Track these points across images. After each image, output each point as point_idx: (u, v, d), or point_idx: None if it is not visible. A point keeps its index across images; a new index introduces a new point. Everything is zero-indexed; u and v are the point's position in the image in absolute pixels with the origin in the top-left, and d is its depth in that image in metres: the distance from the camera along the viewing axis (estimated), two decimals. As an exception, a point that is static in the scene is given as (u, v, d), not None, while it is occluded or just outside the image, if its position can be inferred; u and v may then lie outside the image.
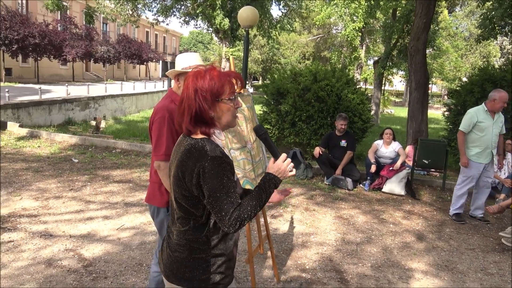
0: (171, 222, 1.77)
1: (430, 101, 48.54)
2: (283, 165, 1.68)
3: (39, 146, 8.49)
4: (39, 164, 7.12)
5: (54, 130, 10.45)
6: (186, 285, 1.67)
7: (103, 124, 12.84)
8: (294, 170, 1.72)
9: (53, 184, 6.03)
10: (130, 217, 4.90)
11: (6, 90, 13.72)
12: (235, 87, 1.67)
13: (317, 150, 7.05)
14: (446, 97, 46.28)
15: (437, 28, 21.38)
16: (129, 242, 4.20)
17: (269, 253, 4.00)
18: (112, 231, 4.45)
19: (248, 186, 2.82)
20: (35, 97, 14.74)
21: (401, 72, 31.76)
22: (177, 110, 1.69)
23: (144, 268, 3.65)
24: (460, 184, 5.50)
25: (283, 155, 1.70)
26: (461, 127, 5.35)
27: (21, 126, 9.97)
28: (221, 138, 1.69)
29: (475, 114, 5.26)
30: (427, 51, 28.41)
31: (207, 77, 1.61)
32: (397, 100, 47.22)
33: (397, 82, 53.19)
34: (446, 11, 32.33)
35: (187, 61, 2.56)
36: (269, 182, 1.65)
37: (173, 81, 2.74)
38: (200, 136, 1.64)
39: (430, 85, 58.36)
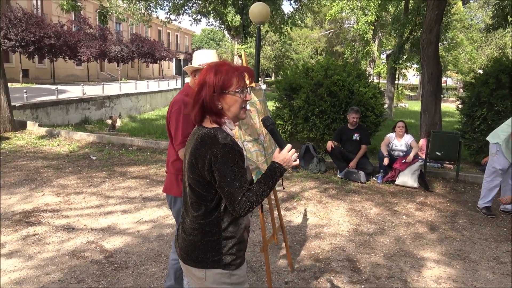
0: (184, 208, 1.90)
1: (445, 95, 48.08)
2: (288, 154, 1.81)
3: (58, 145, 8.72)
4: (59, 161, 7.33)
5: (71, 129, 10.70)
6: (200, 266, 1.80)
7: (118, 123, 13.08)
8: (298, 160, 1.83)
9: (73, 180, 6.23)
10: (148, 211, 5.05)
11: (24, 90, 14.06)
12: (244, 80, 1.78)
13: (330, 144, 7.12)
14: (461, 90, 45.73)
15: (450, 20, 21.12)
16: (148, 235, 4.35)
17: (283, 244, 4.11)
18: (131, 224, 4.61)
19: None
20: (52, 97, 15.08)
21: (415, 66, 31.49)
22: (192, 100, 1.81)
23: (162, 259, 3.79)
24: (489, 176, 5.36)
25: (288, 146, 1.82)
26: None
27: (40, 125, 10.24)
28: (232, 128, 1.81)
29: None
30: (440, 44, 28.16)
31: (215, 71, 1.74)
32: (411, 94, 46.75)
33: (411, 76, 52.73)
34: (460, 3, 31.84)
35: (204, 58, 2.68)
36: (275, 170, 1.78)
37: (188, 77, 2.87)
38: (212, 125, 1.77)
39: (445, 79, 57.73)
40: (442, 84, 59.04)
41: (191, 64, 2.79)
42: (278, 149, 1.86)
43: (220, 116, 1.77)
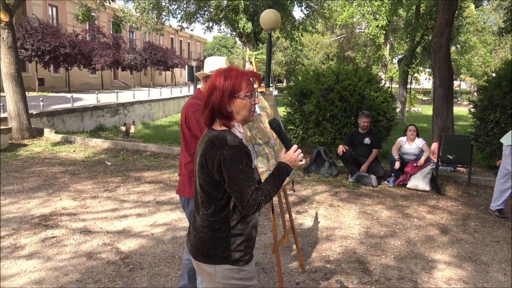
0: (196, 207, 1.99)
1: (459, 98, 47.60)
2: (294, 155, 1.89)
3: (74, 151, 8.92)
4: (75, 167, 7.51)
5: (86, 135, 10.91)
6: (210, 262, 1.88)
7: (132, 129, 13.28)
8: (304, 160, 1.91)
9: (89, 185, 6.38)
10: (162, 214, 5.16)
11: (41, 99, 14.37)
12: (253, 85, 1.88)
13: (341, 148, 7.17)
14: (475, 93, 45.25)
15: (462, 23, 21.01)
16: (162, 237, 4.45)
17: (294, 246, 4.17)
18: (146, 227, 4.72)
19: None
20: (68, 105, 15.37)
21: (427, 70, 31.28)
22: (202, 105, 1.90)
23: (176, 260, 3.88)
24: (502, 178, 5.35)
25: (294, 146, 1.91)
26: None
27: (56, 132, 10.47)
28: (240, 130, 1.91)
29: None
30: (452, 47, 27.97)
31: (224, 76, 1.83)
32: (424, 98, 46.40)
33: (424, 80, 52.35)
34: (472, 6, 31.61)
35: (215, 64, 2.78)
36: (282, 170, 1.87)
37: (200, 83, 2.98)
38: (221, 128, 1.86)
39: (458, 82, 57.15)
40: (456, 88, 58.47)
41: (203, 70, 2.90)
42: (284, 149, 1.95)
43: (230, 119, 1.86)
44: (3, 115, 11.08)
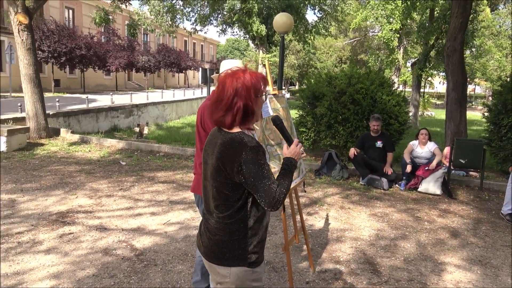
0: (207, 210, 2.01)
1: (473, 103, 47.06)
2: (297, 148, 1.98)
3: (89, 151, 9.10)
4: (91, 166, 7.67)
5: (101, 136, 11.10)
6: (226, 264, 1.90)
7: (146, 130, 13.47)
8: (304, 153, 2.04)
9: (104, 184, 6.52)
10: (175, 213, 5.27)
11: (57, 99, 14.66)
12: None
13: (352, 151, 7.21)
14: (490, 98, 44.74)
15: (477, 27, 20.84)
16: (175, 235, 4.55)
17: (304, 246, 4.23)
18: (159, 226, 4.82)
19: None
20: (83, 106, 15.66)
21: (442, 74, 31.00)
22: (214, 107, 1.89)
23: (189, 258, 3.98)
24: None
25: (295, 140, 2.00)
26: None
27: (72, 132, 10.68)
28: (253, 132, 1.97)
29: None
30: (467, 51, 27.71)
31: (249, 76, 1.86)
32: (438, 102, 46.01)
33: (438, 84, 51.88)
34: (488, 9, 31.31)
35: (231, 67, 2.86)
36: (290, 164, 1.93)
37: (214, 86, 3.07)
38: (236, 130, 1.87)
39: (473, 86, 56.49)
40: (470, 92, 57.76)
41: (218, 73, 2.99)
42: (286, 145, 2.03)
43: (251, 119, 1.89)
44: (21, 115, 11.35)
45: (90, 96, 20.15)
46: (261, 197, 1.78)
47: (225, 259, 1.90)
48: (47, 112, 10.55)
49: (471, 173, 7.73)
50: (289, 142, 2.03)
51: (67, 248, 4.12)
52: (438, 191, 6.56)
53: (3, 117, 11.00)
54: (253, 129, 1.95)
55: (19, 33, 9.35)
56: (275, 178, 1.87)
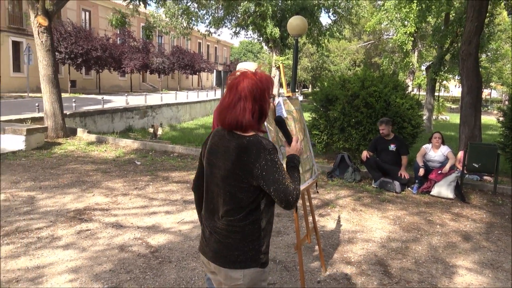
0: (211, 214, 1.98)
1: (489, 107, 46.41)
2: (298, 145, 2.10)
3: (105, 150, 9.28)
4: (107, 166, 7.83)
5: (117, 136, 11.29)
6: (240, 267, 1.89)
7: (160, 131, 13.66)
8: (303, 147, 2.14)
9: (119, 183, 6.66)
10: (188, 212, 5.37)
11: (73, 100, 14.93)
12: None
13: (365, 154, 7.23)
14: (506, 102, 44.08)
15: (493, 31, 20.63)
16: (189, 234, 4.65)
17: (316, 247, 4.29)
18: (174, 224, 4.92)
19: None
20: (98, 107, 15.92)
21: (457, 78, 30.67)
22: (228, 111, 1.87)
23: (203, 256, 4.06)
24: None
25: (295, 138, 2.13)
26: None
27: (89, 132, 10.89)
28: (264, 131, 2.08)
29: None
30: (483, 55, 27.40)
31: (261, 78, 1.90)
32: (453, 106, 45.48)
33: (453, 87, 51.34)
34: (505, 13, 30.92)
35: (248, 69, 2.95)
36: (295, 160, 2.04)
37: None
38: (250, 133, 1.88)
39: (489, 91, 55.71)
40: (486, 97, 56.94)
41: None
42: (287, 144, 2.16)
43: (264, 121, 1.96)
44: (38, 115, 11.60)
45: (105, 97, 20.47)
46: (281, 198, 1.80)
47: (238, 262, 1.89)
48: (64, 112, 10.76)
49: (485, 177, 7.68)
50: (289, 140, 2.14)
51: (85, 244, 4.24)
52: (451, 195, 6.55)
53: (21, 116, 11.27)
54: (265, 131, 2.01)
55: (39, 35, 9.57)
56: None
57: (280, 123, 2.22)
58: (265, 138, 1.89)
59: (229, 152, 1.85)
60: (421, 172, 6.90)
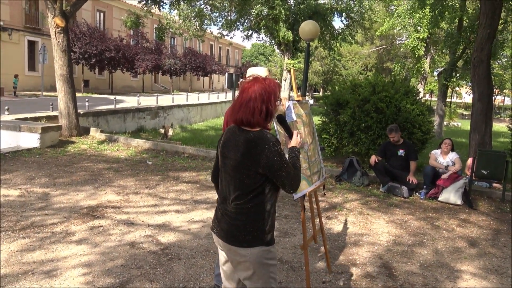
0: (224, 198, 2.26)
1: (502, 114, 45.89)
2: (298, 139, 2.37)
3: (117, 150, 9.45)
4: (119, 165, 7.99)
5: (128, 136, 11.47)
6: (247, 246, 2.16)
7: (170, 132, 13.79)
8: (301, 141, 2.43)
9: (131, 182, 6.80)
10: (198, 212, 5.48)
11: (86, 100, 15.19)
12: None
13: (373, 159, 7.28)
14: (520, 110, 43.54)
15: (507, 37, 20.47)
16: (198, 233, 4.75)
17: (322, 248, 4.37)
18: (183, 223, 5.04)
19: (304, 182, 3.25)
20: (111, 107, 16.15)
21: (469, 84, 30.45)
22: (237, 108, 2.17)
23: (211, 254, 4.17)
24: None
25: (296, 132, 2.39)
26: None
27: (101, 131, 11.08)
28: (269, 128, 2.24)
29: None
30: (497, 62, 27.16)
31: (273, 83, 2.18)
32: (465, 112, 45.10)
33: (466, 94, 50.90)
34: (520, 19, 30.60)
35: (259, 74, 3.06)
36: (296, 151, 2.31)
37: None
38: (257, 128, 2.15)
39: (502, 98, 55.08)
40: (499, 104, 56.23)
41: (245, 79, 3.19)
42: (288, 139, 2.39)
43: (270, 120, 2.20)
44: (53, 113, 11.83)
45: (118, 97, 20.73)
46: (285, 183, 2.13)
47: (245, 241, 2.16)
48: (78, 111, 10.97)
49: (494, 185, 7.68)
50: (290, 135, 2.39)
51: (97, 240, 4.37)
52: (458, 201, 6.57)
53: (36, 115, 11.51)
54: (270, 128, 2.20)
55: (55, 35, 9.80)
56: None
57: (281, 120, 2.48)
58: (269, 133, 2.17)
59: (239, 145, 2.14)
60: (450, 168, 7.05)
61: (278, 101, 2.20)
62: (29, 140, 9.00)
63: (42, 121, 10.62)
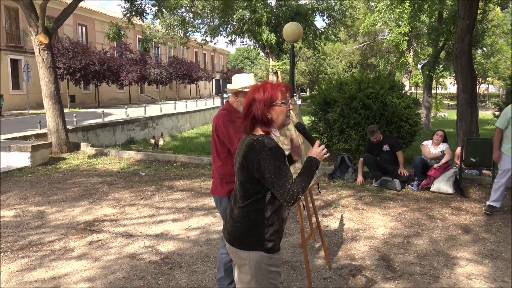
0: (234, 200, 2.31)
1: (487, 102, 46.56)
2: (319, 149, 2.21)
3: (109, 163, 9.43)
4: (112, 178, 7.98)
5: (119, 148, 11.45)
6: (246, 249, 2.18)
7: (161, 142, 13.81)
8: (328, 153, 2.24)
9: (126, 194, 6.81)
10: (195, 219, 5.51)
11: (74, 115, 15.13)
12: (286, 94, 2.21)
13: (360, 179, 7.43)
14: (504, 97, 44.25)
15: (487, 26, 20.84)
16: (197, 240, 4.79)
17: (321, 245, 4.43)
18: (182, 231, 5.07)
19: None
20: (99, 120, 16.09)
21: (453, 75, 30.88)
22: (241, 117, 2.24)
23: (211, 260, 4.21)
24: (497, 178, 5.73)
25: (317, 142, 2.23)
26: (496, 123, 5.61)
27: (92, 146, 11.05)
28: (277, 135, 2.25)
29: (509, 110, 5.48)
30: (478, 51, 27.60)
31: (263, 89, 2.18)
32: (451, 103, 45.62)
33: (450, 85, 51.54)
34: (498, 8, 31.19)
35: (245, 81, 3.14)
36: (311, 163, 2.17)
37: (229, 97, 3.34)
38: (260, 133, 2.17)
39: (486, 86, 55.87)
40: (484, 92, 56.98)
41: (232, 86, 3.26)
42: (311, 147, 2.28)
43: (269, 126, 2.18)
44: (41, 131, 11.78)
45: (105, 110, 20.65)
46: (277, 192, 2.06)
47: (245, 244, 2.18)
48: (66, 127, 10.92)
49: (484, 171, 7.83)
50: (313, 144, 2.26)
51: (97, 254, 4.38)
52: (450, 190, 6.69)
53: (24, 133, 11.44)
54: (270, 133, 2.19)
55: (40, 52, 9.77)
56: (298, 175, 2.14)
57: (301, 129, 2.41)
58: (269, 138, 2.15)
59: (243, 148, 2.18)
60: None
61: (283, 103, 2.17)
62: (20, 159, 8.95)
63: (32, 140, 10.57)
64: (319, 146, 2.22)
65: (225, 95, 15.04)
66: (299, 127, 2.40)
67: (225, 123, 3.07)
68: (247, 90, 3.06)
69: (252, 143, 2.12)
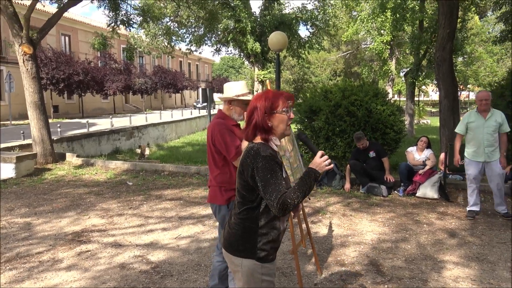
0: (233, 207, 2.33)
1: (468, 109, 47.45)
2: (320, 160, 2.11)
3: (96, 173, 9.35)
4: (99, 188, 7.91)
5: (105, 158, 11.35)
6: (239, 256, 2.19)
7: (147, 151, 13.71)
8: (332, 165, 2.13)
9: (114, 204, 6.76)
10: (185, 228, 5.51)
11: (58, 125, 14.94)
12: (287, 102, 2.20)
13: (348, 186, 7.51)
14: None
15: (466, 35, 21.35)
16: (187, 248, 4.79)
17: (310, 251, 4.47)
18: (171, 240, 5.06)
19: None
20: (83, 130, 15.93)
21: (435, 82, 31.47)
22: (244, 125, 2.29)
23: (202, 268, 4.21)
24: (467, 183, 5.96)
25: (320, 152, 2.13)
26: (456, 129, 5.92)
27: (78, 156, 10.94)
28: (277, 143, 2.23)
29: (467, 115, 5.73)
30: (459, 58, 28.22)
31: (264, 98, 2.19)
32: (433, 110, 46.40)
33: (432, 92, 52.48)
34: (476, 17, 31.99)
35: (238, 89, 3.16)
36: (309, 174, 2.09)
37: (220, 105, 3.38)
38: (259, 141, 2.18)
39: (467, 93, 57.03)
40: (465, 99, 58.13)
41: (222, 94, 3.30)
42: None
43: (269, 133, 2.18)
44: (25, 142, 11.61)
45: (90, 120, 20.43)
46: (269, 201, 2.03)
47: (238, 251, 2.20)
48: (51, 137, 10.80)
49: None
50: (315, 154, 2.16)
51: (87, 265, 4.35)
52: (435, 195, 6.82)
53: (8, 145, 11.27)
54: (268, 141, 2.18)
55: (24, 63, 9.68)
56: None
57: (302, 138, 2.40)
58: (266, 146, 2.15)
59: (242, 155, 2.21)
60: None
61: (284, 111, 2.17)
62: (4, 170, 8.82)
63: (16, 151, 10.42)
64: (321, 156, 2.12)
65: (203, 104, 14.95)
66: (301, 136, 2.41)
67: (221, 131, 3.09)
68: (241, 98, 3.11)
69: (249, 150, 2.15)
